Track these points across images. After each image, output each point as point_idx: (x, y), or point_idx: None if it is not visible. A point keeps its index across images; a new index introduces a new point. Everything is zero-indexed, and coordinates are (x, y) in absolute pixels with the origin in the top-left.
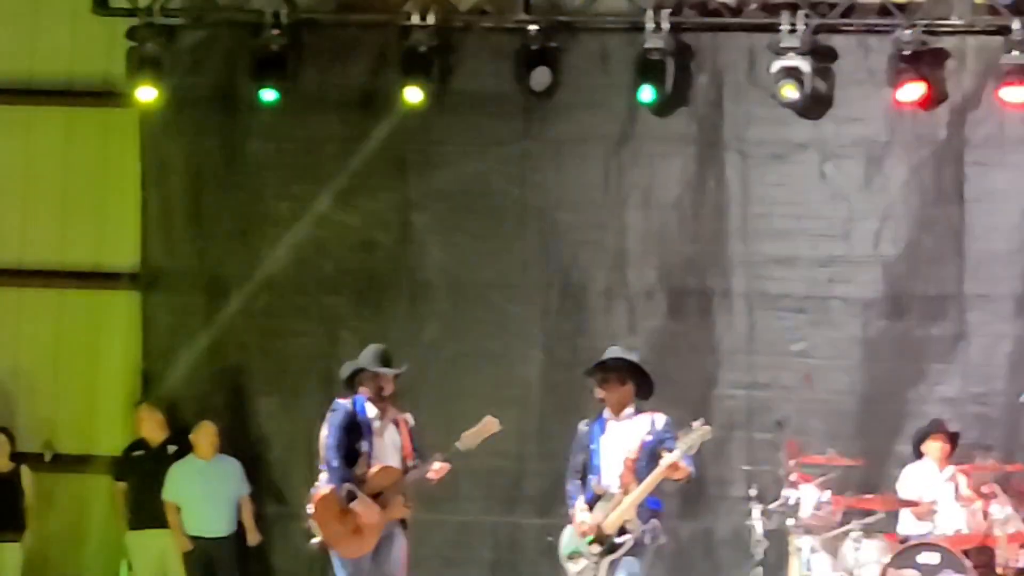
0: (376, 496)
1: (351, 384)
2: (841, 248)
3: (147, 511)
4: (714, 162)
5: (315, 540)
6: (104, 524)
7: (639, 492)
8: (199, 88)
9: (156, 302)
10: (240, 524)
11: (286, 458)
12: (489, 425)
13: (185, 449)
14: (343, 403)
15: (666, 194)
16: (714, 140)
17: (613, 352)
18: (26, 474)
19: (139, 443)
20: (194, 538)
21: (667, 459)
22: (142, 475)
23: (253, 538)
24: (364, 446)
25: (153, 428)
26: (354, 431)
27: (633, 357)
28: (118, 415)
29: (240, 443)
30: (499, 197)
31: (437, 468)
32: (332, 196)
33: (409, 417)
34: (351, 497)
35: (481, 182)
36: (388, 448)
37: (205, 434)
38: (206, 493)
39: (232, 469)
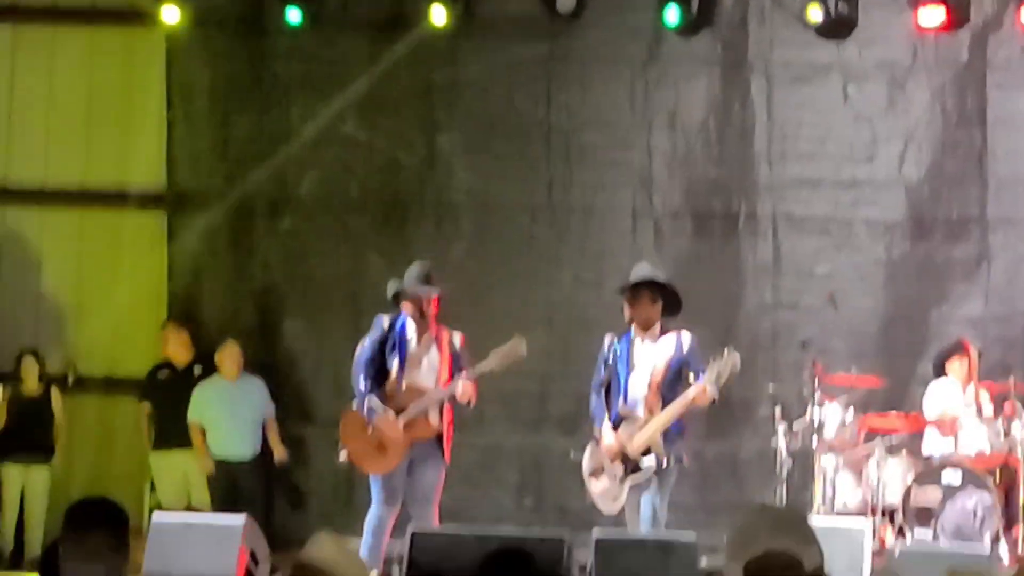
0: (401, 414)
1: (396, 302)
2: (865, 171)
3: (171, 431)
4: (739, 84)
5: (342, 456)
6: (128, 445)
7: (665, 417)
8: (224, 9)
9: (182, 223)
10: (265, 445)
11: (312, 378)
12: (517, 346)
13: (210, 370)
14: (382, 320)
15: (691, 116)
16: (739, 62)
17: (643, 269)
18: (56, 396)
19: (164, 364)
20: (218, 460)
21: (694, 388)
22: (167, 396)
23: (280, 454)
24: (395, 364)
25: (179, 348)
26: (388, 349)
27: (661, 276)
28: (142, 337)
29: (265, 364)
30: (524, 118)
31: (461, 388)
32: (358, 117)
33: (457, 338)
34: (372, 413)
35: (506, 103)
36: (422, 367)
37: (230, 354)
38: (231, 414)
39: (257, 389)
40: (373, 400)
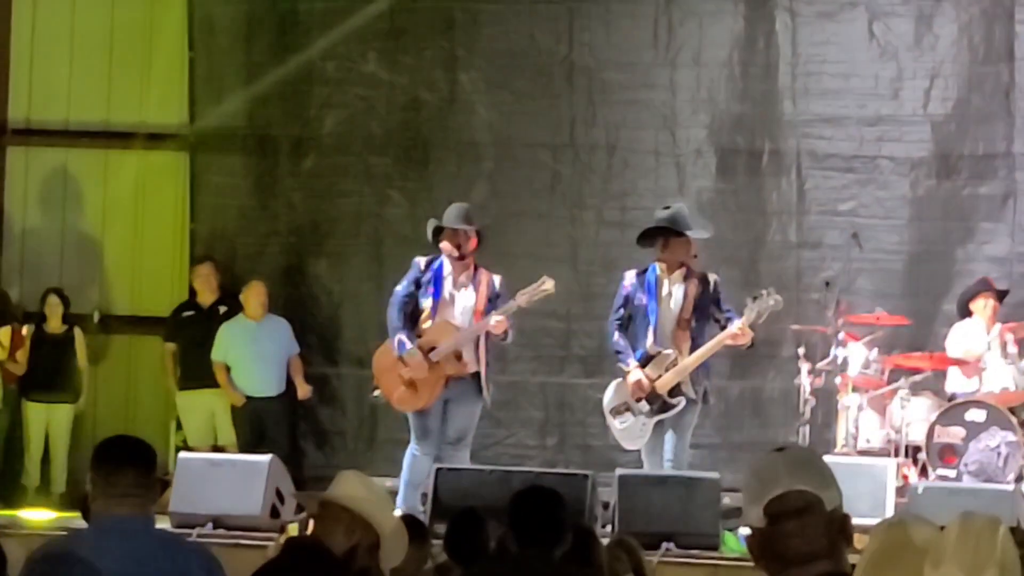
0: (432, 351)
1: (436, 242)
2: (890, 107)
3: (197, 371)
4: (763, 20)
5: (375, 392)
6: (153, 384)
7: (700, 355)
8: None
9: (205, 162)
10: (290, 383)
11: (335, 318)
12: (546, 284)
13: (235, 309)
14: (419, 261)
15: (715, 53)
16: None
17: (687, 216)
18: (79, 336)
19: (189, 303)
20: (245, 397)
21: (735, 325)
22: (192, 335)
23: (303, 392)
24: (427, 302)
25: (205, 288)
26: (424, 288)
27: (707, 229)
28: (166, 276)
29: (289, 303)
30: (546, 56)
31: (494, 323)
32: (379, 55)
33: (497, 280)
34: (402, 347)
35: (528, 41)
36: (457, 306)
37: (255, 294)
38: (256, 353)
39: (282, 329)
40: (402, 335)
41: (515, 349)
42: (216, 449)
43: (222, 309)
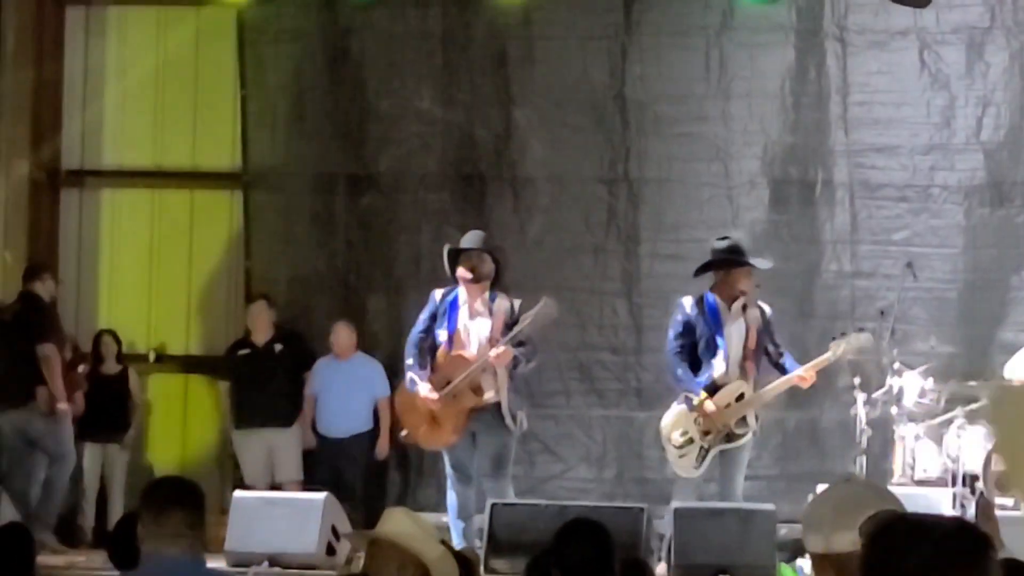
0: (446, 386)
1: (453, 269)
2: (942, 136)
3: (253, 410)
4: (815, 51)
5: (403, 433)
6: (207, 423)
7: (775, 388)
8: None
9: (260, 201)
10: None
11: (396, 355)
12: (547, 306)
13: (291, 347)
14: (435, 293)
15: (767, 84)
16: (814, 29)
17: (740, 240)
18: (133, 376)
19: (244, 342)
20: (322, 436)
21: (820, 360)
22: (247, 373)
23: (382, 449)
24: (443, 334)
25: (261, 326)
26: (439, 321)
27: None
28: (219, 315)
29: None
30: (599, 90)
31: (494, 356)
32: (433, 92)
33: (517, 303)
34: (413, 385)
35: (581, 75)
36: (472, 336)
37: (341, 334)
38: (338, 391)
39: (367, 368)
40: (413, 373)
41: (572, 383)
42: (275, 487)
43: (277, 347)
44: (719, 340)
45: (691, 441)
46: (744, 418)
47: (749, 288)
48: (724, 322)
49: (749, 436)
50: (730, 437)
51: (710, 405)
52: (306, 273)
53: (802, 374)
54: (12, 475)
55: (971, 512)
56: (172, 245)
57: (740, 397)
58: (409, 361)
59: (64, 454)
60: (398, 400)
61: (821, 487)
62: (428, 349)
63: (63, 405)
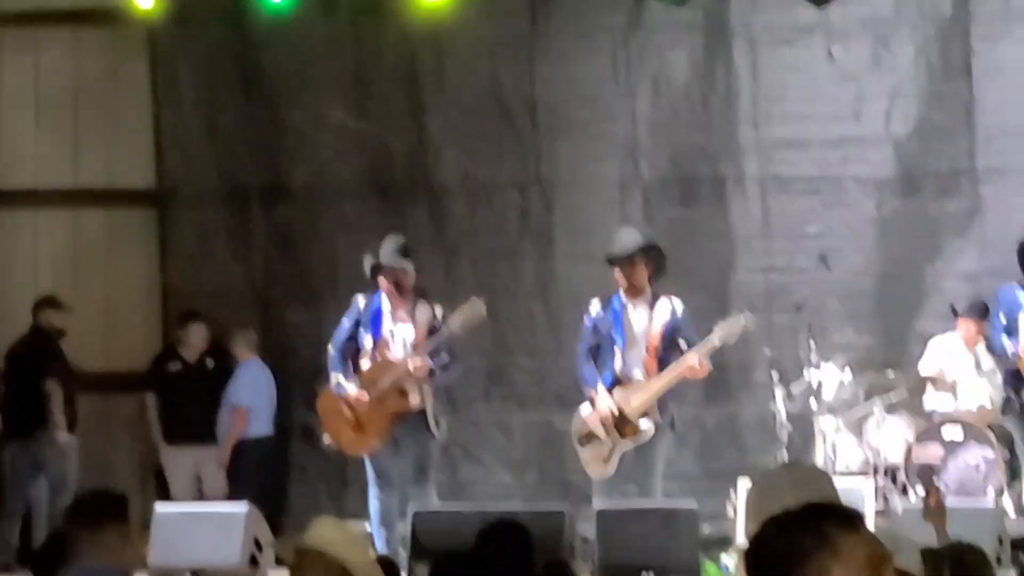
0: (372, 390)
1: (374, 278)
2: (852, 128)
3: (184, 425)
4: (722, 49)
5: (326, 439)
6: (128, 439)
7: (665, 381)
8: (205, 1)
9: (175, 216)
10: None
11: (315, 366)
12: (475, 307)
13: (222, 363)
14: (358, 299)
15: (675, 83)
16: (721, 27)
17: (632, 236)
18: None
19: (172, 355)
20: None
21: (691, 355)
22: (179, 389)
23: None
24: (367, 341)
25: (198, 343)
26: (364, 326)
27: (647, 239)
28: (138, 332)
29: (270, 353)
30: (510, 96)
31: (414, 366)
32: (345, 104)
33: (438, 310)
34: (339, 389)
35: (491, 81)
36: (396, 342)
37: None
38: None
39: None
40: (339, 377)
41: (491, 388)
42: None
43: (209, 363)
44: (616, 337)
45: (597, 441)
46: (647, 414)
47: (621, 281)
48: (626, 319)
49: (652, 430)
50: (634, 434)
51: (602, 402)
52: (224, 287)
53: (691, 363)
54: (12, 499)
55: (894, 502)
56: (92, 264)
57: (640, 392)
58: (333, 366)
59: (66, 485)
60: (320, 406)
61: (743, 481)
62: (352, 354)
63: (64, 435)
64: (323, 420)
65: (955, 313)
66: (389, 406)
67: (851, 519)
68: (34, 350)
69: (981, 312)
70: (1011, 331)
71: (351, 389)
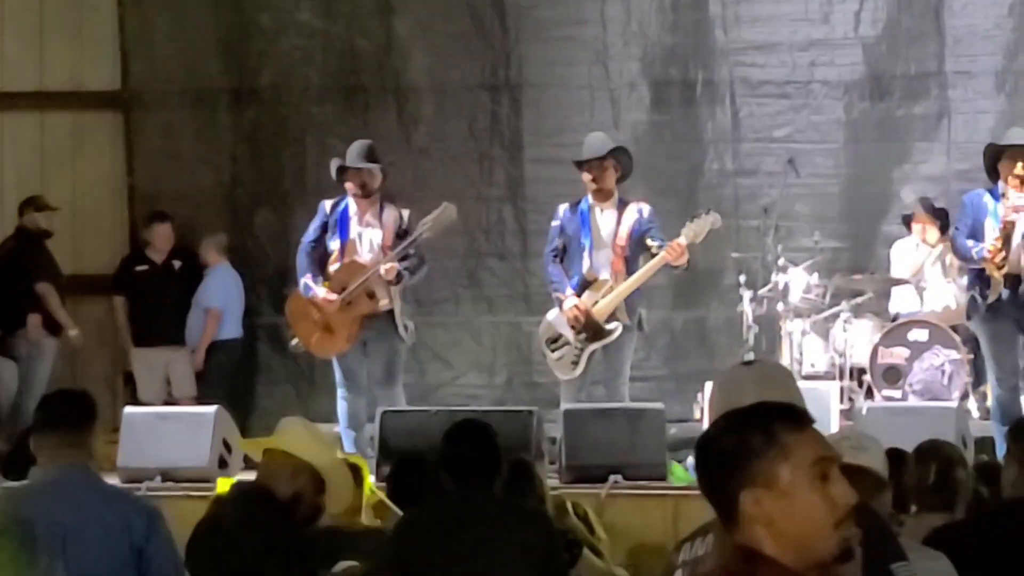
0: (341, 292)
1: (341, 181)
2: (821, 31)
3: (153, 327)
4: None
5: (294, 341)
6: (98, 340)
7: (637, 278)
8: None
9: (141, 118)
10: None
11: (282, 268)
12: (447, 211)
13: (190, 265)
14: (324, 204)
15: None
16: None
17: (600, 141)
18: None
19: (140, 257)
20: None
21: (668, 249)
22: (147, 291)
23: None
24: (335, 244)
25: (163, 244)
26: (331, 230)
27: (614, 143)
28: (105, 234)
29: (237, 255)
30: None
31: (384, 269)
32: (312, 4)
33: (405, 213)
34: (308, 291)
35: None
36: (363, 245)
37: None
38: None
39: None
40: (308, 279)
41: (460, 290)
42: (170, 404)
43: (176, 264)
44: (584, 240)
45: (565, 343)
46: (614, 313)
47: (590, 184)
48: (593, 221)
49: (619, 330)
50: (600, 334)
51: (569, 302)
52: (191, 190)
53: (661, 260)
54: None
55: (859, 403)
56: (56, 166)
57: (608, 292)
58: (302, 269)
59: (36, 382)
60: (289, 308)
61: (709, 385)
62: (319, 259)
63: (73, 331)
64: (291, 322)
65: (906, 221)
66: (358, 308)
67: (800, 419)
68: (22, 252)
69: (928, 208)
70: (976, 235)
71: (319, 291)
